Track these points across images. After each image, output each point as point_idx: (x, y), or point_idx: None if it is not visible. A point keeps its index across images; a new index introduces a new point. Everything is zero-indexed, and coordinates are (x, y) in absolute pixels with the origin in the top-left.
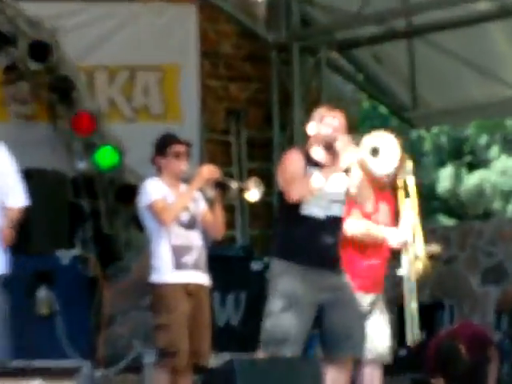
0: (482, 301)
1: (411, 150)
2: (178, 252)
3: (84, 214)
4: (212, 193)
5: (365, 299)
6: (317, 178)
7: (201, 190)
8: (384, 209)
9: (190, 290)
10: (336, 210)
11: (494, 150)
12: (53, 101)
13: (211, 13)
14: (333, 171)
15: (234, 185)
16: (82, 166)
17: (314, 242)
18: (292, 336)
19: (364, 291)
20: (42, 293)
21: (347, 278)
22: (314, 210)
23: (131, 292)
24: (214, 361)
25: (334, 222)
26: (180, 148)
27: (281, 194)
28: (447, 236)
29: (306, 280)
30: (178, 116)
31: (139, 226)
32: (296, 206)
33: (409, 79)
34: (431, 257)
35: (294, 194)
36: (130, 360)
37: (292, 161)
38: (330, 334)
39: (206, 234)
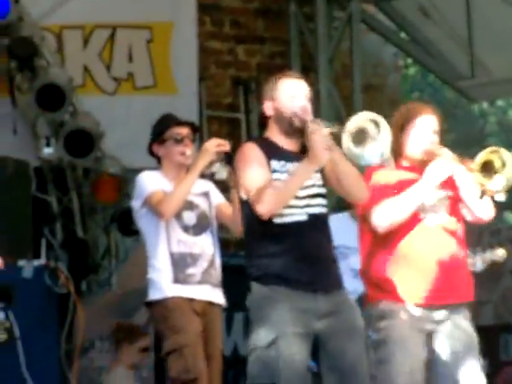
0: None
1: (471, 128)
2: (180, 262)
3: (52, 213)
4: (225, 171)
5: (426, 318)
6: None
7: (208, 172)
8: None
9: (195, 310)
10: (318, 208)
11: None
12: (11, 69)
13: None
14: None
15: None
16: (48, 152)
17: (299, 256)
18: (282, 374)
19: (426, 305)
20: None
21: (347, 293)
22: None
23: (112, 312)
24: None
25: (321, 222)
26: (181, 130)
27: (245, 202)
28: None
29: (295, 306)
30: (171, 87)
31: (122, 228)
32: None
33: (466, 38)
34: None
35: (261, 209)
36: None
37: (250, 160)
38: (330, 370)
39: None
